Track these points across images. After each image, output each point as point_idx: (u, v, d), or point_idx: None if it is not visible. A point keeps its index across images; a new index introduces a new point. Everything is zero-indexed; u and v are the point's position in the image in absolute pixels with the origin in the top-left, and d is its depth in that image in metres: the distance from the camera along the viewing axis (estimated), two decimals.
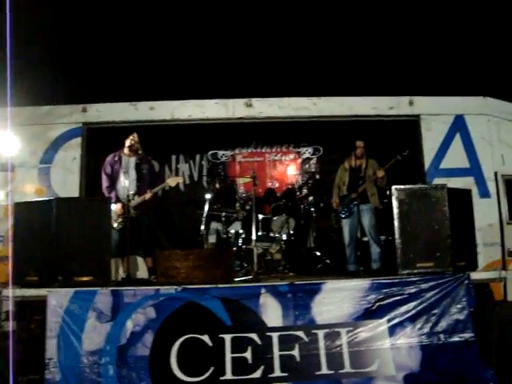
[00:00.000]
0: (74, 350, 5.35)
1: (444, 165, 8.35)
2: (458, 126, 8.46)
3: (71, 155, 8.32)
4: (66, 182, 8.25)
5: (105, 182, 7.07)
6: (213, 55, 10.72)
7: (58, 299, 5.50)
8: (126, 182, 6.83)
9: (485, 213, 8.08)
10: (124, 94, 9.49)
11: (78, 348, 5.35)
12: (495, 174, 8.30)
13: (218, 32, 10.65)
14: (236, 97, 8.63)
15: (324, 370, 5.26)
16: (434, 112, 8.50)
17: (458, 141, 8.42)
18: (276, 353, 5.32)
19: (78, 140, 8.37)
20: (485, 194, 8.26)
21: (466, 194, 6.44)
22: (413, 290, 5.57)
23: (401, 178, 7.85)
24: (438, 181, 8.04)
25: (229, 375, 5.22)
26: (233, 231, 8.08)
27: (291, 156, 10.21)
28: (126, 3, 10.69)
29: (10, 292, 5.92)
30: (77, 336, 5.39)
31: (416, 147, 8.38)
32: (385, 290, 5.55)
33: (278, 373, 5.24)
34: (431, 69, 10.54)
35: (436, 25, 10.65)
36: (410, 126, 8.60)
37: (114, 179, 7.04)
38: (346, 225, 7.62)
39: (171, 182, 7.32)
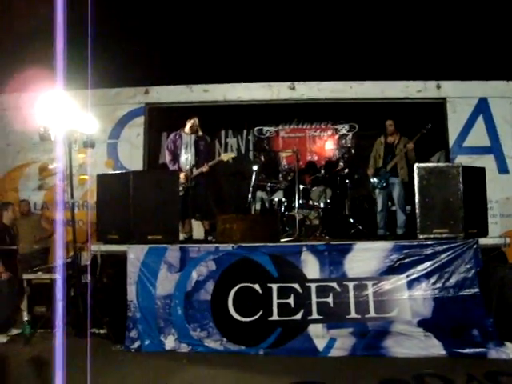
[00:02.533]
0: (150, 294, 6.45)
1: (467, 143, 9.06)
2: (482, 108, 9.10)
3: (135, 132, 9.33)
4: (132, 155, 9.28)
5: (168, 157, 8.03)
6: (261, 41, 11.38)
7: (135, 253, 6.58)
8: (187, 157, 7.91)
9: (503, 187, 8.88)
10: (181, 76, 10.36)
11: (153, 293, 6.45)
12: None
13: (266, 23, 11.34)
14: (281, 80, 9.41)
15: (353, 315, 6.20)
16: (460, 95, 9.15)
17: (480, 121, 9.09)
18: (314, 299, 6.25)
19: (141, 118, 9.37)
20: (504, 170, 8.98)
21: (480, 171, 7.07)
22: (429, 252, 6.36)
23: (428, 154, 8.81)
24: (460, 158, 8.82)
25: (275, 316, 6.22)
26: (276, 199, 8.81)
27: (329, 132, 11.05)
28: None
29: (94, 247, 7.10)
30: (152, 283, 6.47)
31: (442, 127, 9.13)
32: (405, 251, 6.37)
33: (315, 315, 6.20)
34: (458, 53, 10.95)
35: (463, 13, 11.07)
36: (437, 108, 9.26)
37: (175, 154, 8.02)
38: (379, 195, 8.52)
39: (225, 157, 8.19)
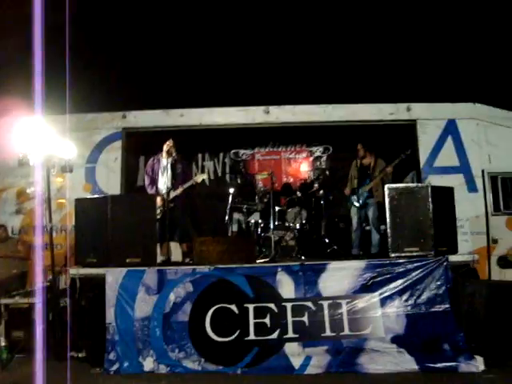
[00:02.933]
0: (128, 316, 6.53)
1: (437, 163, 9.33)
2: (450, 129, 9.40)
3: (113, 156, 9.43)
4: (109, 179, 9.36)
5: (147, 181, 8.22)
6: (235, 68, 11.63)
7: (114, 276, 6.67)
8: (164, 180, 8.06)
9: (473, 206, 9.14)
10: (157, 101, 10.54)
11: (132, 315, 6.53)
12: (482, 171, 9.26)
13: (240, 49, 11.60)
14: (256, 104, 9.62)
15: (328, 333, 6.36)
16: (429, 117, 9.45)
17: (450, 142, 9.37)
18: (290, 319, 6.40)
19: (119, 143, 9.47)
20: (473, 189, 9.24)
21: (448, 190, 7.29)
22: (401, 270, 6.56)
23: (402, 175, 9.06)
24: (431, 177, 9.09)
25: (252, 336, 6.35)
26: (252, 221, 8.90)
27: (304, 154, 11.28)
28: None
29: (72, 270, 7.15)
30: (130, 306, 6.56)
31: (413, 147, 9.36)
32: (378, 270, 6.56)
33: (291, 334, 6.34)
34: (427, 77, 11.32)
35: (430, 36, 11.44)
36: (408, 129, 9.54)
37: (153, 178, 8.18)
38: (355, 214, 8.75)
39: (197, 178, 8.33)
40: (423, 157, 9.38)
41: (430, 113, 9.55)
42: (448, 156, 9.38)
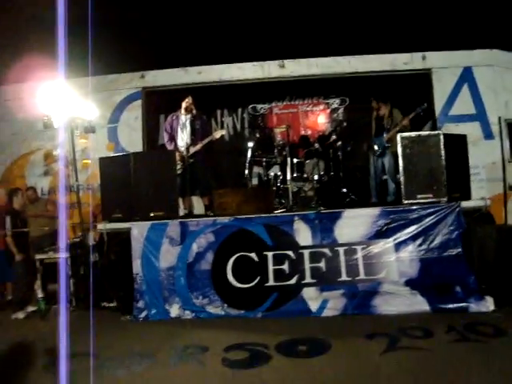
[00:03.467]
0: (154, 267, 6.94)
1: (453, 112, 9.36)
2: (466, 76, 9.38)
3: (134, 115, 9.69)
4: (131, 137, 9.65)
5: (166, 137, 8.40)
6: (250, 22, 11.67)
7: (139, 230, 7.05)
8: (184, 136, 8.28)
9: (489, 153, 9.20)
10: (176, 59, 10.68)
11: (157, 265, 6.94)
12: (499, 118, 9.26)
13: (255, 5, 11.61)
14: (271, 58, 9.73)
15: (344, 277, 6.67)
16: (445, 65, 9.42)
17: (465, 90, 9.37)
18: (307, 265, 6.73)
19: (139, 102, 9.72)
20: (489, 136, 9.28)
21: (461, 138, 7.39)
22: (414, 216, 6.76)
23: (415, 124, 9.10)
24: (447, 126, 9.14)
25: (271, 282, 6.71)
26: (272, 174, 9.02)
27: (321, 106, 11.31)
28: None
29: (100, 226, 7.53)
30: (155, 257, 6.96)
31: (428, 97, 9.41)
32: (391, 216, 6.78)
33: (308, 280, 6.69)
34: (442, 24, 11.20)
35: None
36: (423, 79, 9.54)
37: (172, 135, 8.39)
38: (372, 164, 8.86)
39: (216, 134, 8.46)
40: (439, 106, 9.41)
41: (446, 61, 9.51)
42: (464, 104, 9.37)
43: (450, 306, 6.30)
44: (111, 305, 7.42)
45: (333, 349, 5.16)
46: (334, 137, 9.84)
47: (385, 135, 8.53)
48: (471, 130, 8.94)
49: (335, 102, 11.22)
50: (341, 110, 11.22)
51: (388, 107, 8.72)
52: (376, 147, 8.65)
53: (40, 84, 8.91)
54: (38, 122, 9.13)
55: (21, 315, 7.41)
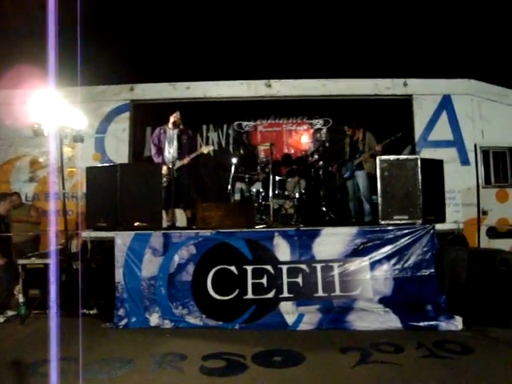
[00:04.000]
0: (136, 276, 7.08)
1: (432, 137, 9.56)
2: (446, 104, 9.61)
3: (121, 127, 9.75)
4: (118, 148, 9.70)
5: (153, 150, 8.61)
6: (239, 42, 11.94)
7: (122, 239, 7.20)
8: (171, 150, 8.47)
9: (465, 178, 9.45)
10: (164, 74, 10.88)
11: (139, 275, 7.08)
12: (475, 145, 9.51)
13: (244, 24, 11.90)
14: (258, 78, 9.90)
15: (320, 293, 6.89)
16: (425, 92, 9.64)
17: (444, 117, 9.59)
18: (285, 280, 6.93)
19: (127, 114, 9.80)
20: (465, 162, 9.51)
21: (438, 163, 7.71)
22: (390, 236, 7.04)
23: (395, 148, 9.36)
24: (425, 151, 9.37)
25: (250, 295, 6.90)
26: (254, 190, 9.26)
27: (305, 126, 11.55)
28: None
29: (84, 234, 7.66)
30: (137, 266, 7.11)
31: (409, 122, 9.71)
32: (368, 236, 7.04)
33: (286, 294, 6.89)
34: (423, 53, 11.58)
35: (427, 14, 11.66)
36: (404, 104, 9.76)
37: (160, 148, 8.58)
38: (349, 185, 9.17)
39: (204, 149, 8.68)
40: (418, 131, 9.62)
41: (426, 88, 9.76)
42: (442, 130, 9.61)
43: (421, 324, 6.55)
44: (91, 312, 7.48)
45: (307, 360, 5.37)
46: (315, 156, 10.18)
47: (355, 159, 8.85)
48: (448, 156, 9.21)
49: (319, 123, 11.46)
50: (324, 131, 11.46)
51: (361, 131, 9.01)
52: (344, 171, 9.00)
53: (30, 91, 9.00)
54: (26, 129, 9.23)
55: (0, 319, 7.47)
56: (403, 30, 11.90)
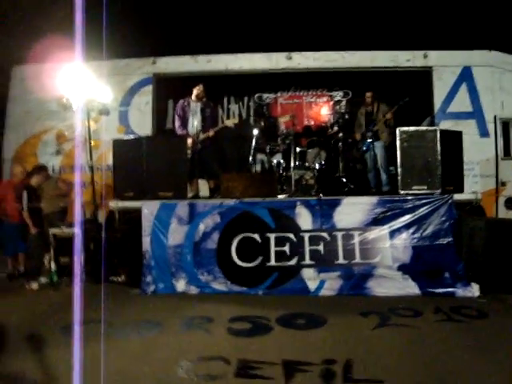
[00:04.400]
0: (163, 244, 7.36)
1: (451, 109, 9.74)
2: (465, 76, 9.75)
3: (144, 100, 10.03)
4: (141, 121, 10.00)
5: (177, 122, 8.77)
6: (260, 14, 12.04)
7: (149, 208, 7.46)
8: (194, 122, 8.65)
9: (484, 150, 9.61)
10: (187, 47, 11.04)
11: (165, 243, 7.36)
12: (494, 117, 9.64)
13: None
14: (279, 50, 10.09)
15: (341, 260, 7.12)
16: (445, 64, 9.79)
17: (464, 89, 9.75)
18: (307, 247, 7.17)
19: (150, 87, 10.06)
20: (484, 134, 9.67)
21: (457, 134, 7.85)
22: (409, 206, 7.20)
23: (413, 119, 9.47)
24: (444, 123, 9.55)
25: (273, 262, 7.15)
26: (275, 161, 9.39)
27: (324, 98, 11.62)
28: None
29: (112, 203, 7.93)
30: (164, 235, 7.37)
31: (428, 94, 9.82)
32: (388, 205, 7.22)
33: (307, 261, 7.13)
34: (444, 24, 11.58)
35: None
36: (424, 76, 9.91)
37: (184, 120, 8.78)
38: (367, 157, 9.33)
39: (228, 122, 8.93)
40: (438, 103, 9.79)
41: (446, 60, 9.88)
42: (462, 102, 9.75)
43: (439, 290, 6.77)
44: (120, 279, 7.82)
45: (329, 323, 5.61)
46: (335, 128, 10.20)
47: (370, 129, 9.02)
48: (468, 128, 9.34)
49: (338, 95, 11.53)
50: (343, 103, 11.53)
51: (376, 103, 9.14)
52: (361, 144, 9.27)
53: (57, 65, 9.30)
54: (52, 103, 9.57)
55: (34, 285, 7.80)
56: (423, 1, 11.89)
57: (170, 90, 10.63)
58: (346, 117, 11.11)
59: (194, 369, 4.38)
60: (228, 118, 10.43)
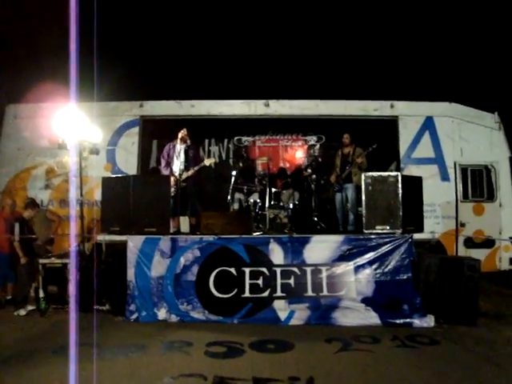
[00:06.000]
0: (146, 275, 7.96)
1: (415, 155, 10.43)
2: (428, 125, 10.49)
3: (131, 140, 10.55)
4: (128, 160, 10.49)
5: (163, 163, 9.45)
6: (240, 65, 12.89)
7: (134, 242, 8.07)
8: (178, 163, 9.33)
9: (445, 193, 10.30)
10: (171, 92, 11.79)
11: (148, 274, 7.96)
12: (454, 163, 10.37)
13: (244, 48, 12.86)
14: (257, 97, 10.77)
15: (309, 293, 7.79)
16: (410, 114, 10.55)
17: (427, 136, 10.46)
18: (279, 280, 7.83)
19: (136, 129, 10.58)
20: (445, 178, 10.36)
21: (417, 179, 8.64)
22: (372, 244, 7.93)
23: (382, 163, 10.22)
24: (409, 167, 10.27)
25: (247, 294, 7.79)
26: (252, 200, 10.00)
27: (299, 142, 12.37)
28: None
29: (99, 237, 8.53)
30: (147, 267, 7.98)
31: (394, 140, 10.60)
32: (353, 243, 7.94)
33: (279, 293, 7.78)
34: (408, 77, 12.54)
35: (411, 42, 12.64)
36: (391, 124, 10.65)
37: (169, 161, 9.41)
38: (337, 198, 10.01)
39: (207, 162, 9.51)
40: (403, 149, 10.48)
41: (411, 110, 10.65)
42: (425, 148, 10.48)
43: (398, 321, 7.48)
44: (104, 308, 8.36)
45: (296, 348, 6.28)
46: (309, 170, 10.93)
47: (344, 172, 9.71)
48: (430, 172, 10.13)
49: (312, 139, 12.29)
50: (317, 147, 12.28)
51: (352, 146, 9.85)
52: (336, 185, 9.88)
53: (48, 105, 9.98)
54: (43, 140, 10.17)
55: (22, 312, 8.30)
56: (390, 55, 12.86)
57: (155, 131, 11.23)
58: (320, 160, 11.86)
59: None
60: (208, 158, 10.94)
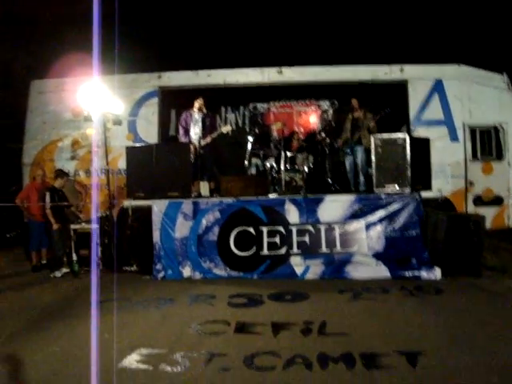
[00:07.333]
0: (170, 237, 8.57)
1: (424, 117, 10.71)
2: (437, 87, 10.74)
3: (151, 110, 10.99)
4: (148, 130, 10.94)
5: (181, 131, 9.90)
6: (255, 33, 13.21)
7: (159, 206, 8.66)
8: (196, 131, 9.80)
9: (454, 153, 10.62)
10: (188, 62, 12.14)
11: (173, 235, 8.57)
12: (463, 124, 10.67)
13: (259, 17, 13.15)
14: (271, 65, 11.11)
15: (324, 249, 8.34)
16: (419, 77, 10.82)
17: (436, 99, 10.73)
18: (294, 238, 8.38)
19: (155, 99, 11.03)
20: (455, 139, 10.66)
21: (425, 141, 9.08)
22: (383, 202, 8.41)
23: (392, 125, 10.56)
24: (419, 129, 10.57)
25: (265, 251, 8.37)
26: (268, 164, 10.48)
27: (313, 107, 12.74)
28: None
29: (126, 202, 9.09)
30: (172, 228, 8.59)
31: (404, 103, 10.92)
32: (364, 202, 8.44)
33: (295, 250, 8.36)
34: (418, 40, 12.75)
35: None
36: (400, 88, 10.95)
37: (186, 129, 9.89)
38: (347, 160, 10.45)
39: (224, 129, 9.96)
40: (413, 111, 10.76)
41: (420, 73, 10.91)
42: (434, 111, 10.75)
43: (407, 273, 7.98)
44: (132, 269, 9.00)
45: (311, 298, 6.84)
46: (322, 134, 11.40)
47: (354, 135, 10.08)
48: (439, 133, 10.47)
49: (325, 104, 12.64)
50: (330, 111, 12.64)
51: (362, 110, 10.20)
52: (347, 148, 10.31)
53: (71, 80, 10.45)
54: (67, 113, 10.70)
55: (58, 274, 8.95)
56: (400, 19, 13.05)
57: (173, 101, 11.66)
58: (333, 124, 12.29)
59: (202, 329, 5.56)
60: (225, 125, 11.32)
